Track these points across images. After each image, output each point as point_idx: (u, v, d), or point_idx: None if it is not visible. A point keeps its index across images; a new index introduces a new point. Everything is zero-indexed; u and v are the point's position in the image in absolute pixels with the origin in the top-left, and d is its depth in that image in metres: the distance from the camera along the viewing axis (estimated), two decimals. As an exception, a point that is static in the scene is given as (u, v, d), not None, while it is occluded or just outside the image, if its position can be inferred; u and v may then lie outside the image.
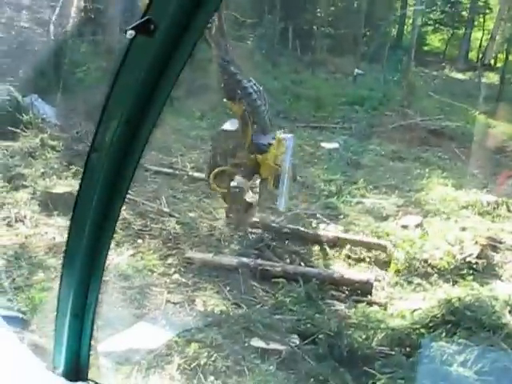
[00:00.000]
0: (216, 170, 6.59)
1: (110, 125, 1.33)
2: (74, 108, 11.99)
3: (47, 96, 12.28)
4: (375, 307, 6.73)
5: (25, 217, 7.93)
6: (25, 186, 8.73)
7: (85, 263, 1.60)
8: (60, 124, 11.58)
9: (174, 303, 6.24)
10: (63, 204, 8.06)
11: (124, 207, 7.44)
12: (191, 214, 8.67)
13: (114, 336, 5.21)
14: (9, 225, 7.74)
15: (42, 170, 9.17)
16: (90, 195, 1.50)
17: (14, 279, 6.36)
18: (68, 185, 8.69)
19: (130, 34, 1.16)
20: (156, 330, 5.54)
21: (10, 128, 10.46)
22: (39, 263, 6.91)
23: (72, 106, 12.13)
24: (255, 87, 7.34)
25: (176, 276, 6.91)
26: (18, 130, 10.57)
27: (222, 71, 6.92)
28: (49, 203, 8.18)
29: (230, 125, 7.63)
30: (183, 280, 6.80)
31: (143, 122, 1.33)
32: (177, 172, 10.53)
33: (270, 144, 7.64)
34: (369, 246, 7.98)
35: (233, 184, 7.15)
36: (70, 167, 9.44)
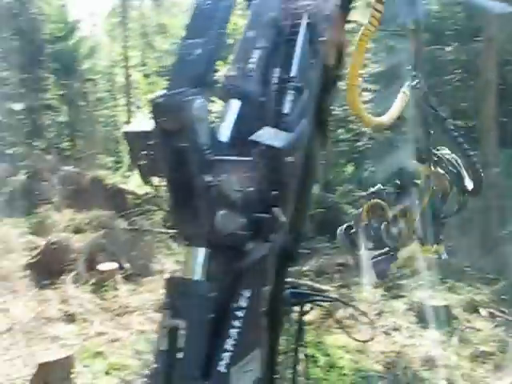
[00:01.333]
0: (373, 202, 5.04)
1: None
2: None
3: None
4: None
5: (401, 326, 8.16)
6: (402, 297, 9.09)
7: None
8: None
9: None
10: (439, 317, 8.05)
11: None
12: None
13: None
14: (386, 332, 8.05)
15: (420, 282, 9.39)
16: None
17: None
18: (444, 299, 8.71)
19: None
20: None
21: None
22: (414, 375, 6.95)
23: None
24: None
25: None
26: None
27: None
28: (425, 315, 8.27)
29: None
30: None
31: None
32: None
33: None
34: None
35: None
36: (445, 281, 9.46)
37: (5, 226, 12.34)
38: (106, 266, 9.97)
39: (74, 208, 13.48)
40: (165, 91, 1.77)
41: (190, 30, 1.97)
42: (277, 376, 1.72)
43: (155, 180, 1.92)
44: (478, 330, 8.23)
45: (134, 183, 16.33)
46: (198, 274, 1.68)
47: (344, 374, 6.81)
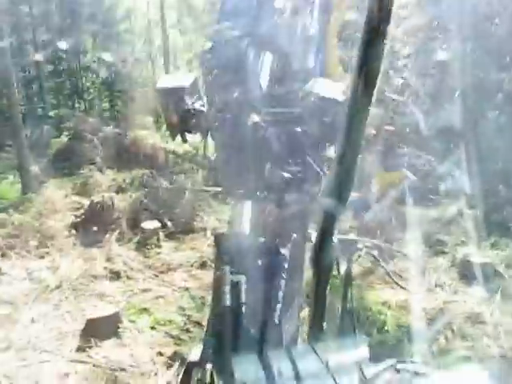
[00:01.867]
0: None
1: None
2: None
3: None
4: None
5: (444, 283, 8.12)
6: (444, 253, 9.02)
7: None
8: (473, 193, 11.55)
9: None
10: (481, 274, 7.96)
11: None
12: None
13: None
14: (429, 289, 8.02)
15: (461, 239, 9.29)
16: None
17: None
18: (486, 256, 8.61)
19: None
20: None
21: (430, 196, 11.00)
22: (458, 331, 6.93)
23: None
24: None
25: None
26: (438, 197, 11.03)
27: None
28: (467, 272, 8.20)
29: None
30: None
31: None
32: None
33: None
34: None
35: None
36: (489, 238, 9.31)
37: (50, 186, 12.65)
38: (148, 225, 10.16)
39: (116, 168, 13.71)
40: (215, 44, 1.75)
41: None
42: (324, 326, 1.74)
43: (188, 136, 1.91)
44: (523, 286, 8.13)
45: (174, 142, 16.44)
46: (246, 228, 1.69)
47: (386, 330, 6.85)
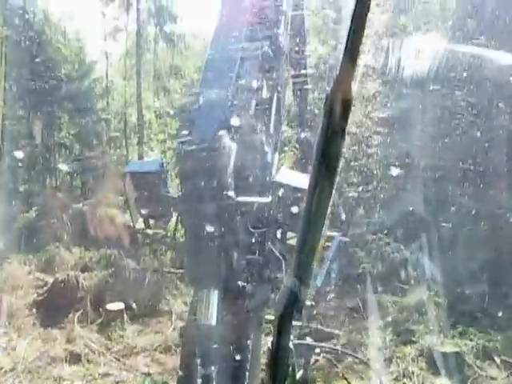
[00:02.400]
0: None
1: None
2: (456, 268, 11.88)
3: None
4: None
5: (412, 373, 7.98)
6: (413, 342, 8.90)
7: None
8: (442, 281, 11.60)
9: None
10: (449, 364, 7.88)
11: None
12: None
13: None
14: (396, 379, 7.88)
15: (429, 327, 9.22)
16: None
17: None
18: (455, 344, 8.53)
19: None
20: None
21: (398, 284, 10.99)
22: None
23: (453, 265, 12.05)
24: None
25: None
26: (405, 286, 11.01)
27: None
28: (436, 362, 8.09)
29: None
30: None
31: None
32: None
33: None
34: None
35: None
36: (457, 327, 9.26)
37: (13, 262, 12.32)
38: (113, 306, 9.89)
39: (83, 246, 13.47)
40: (191, 133, 1.80)
41: (206, 76, 2.02)
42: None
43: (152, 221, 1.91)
44: (492, 378, 8.04)
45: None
46: (213, 319, 1.66)
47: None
